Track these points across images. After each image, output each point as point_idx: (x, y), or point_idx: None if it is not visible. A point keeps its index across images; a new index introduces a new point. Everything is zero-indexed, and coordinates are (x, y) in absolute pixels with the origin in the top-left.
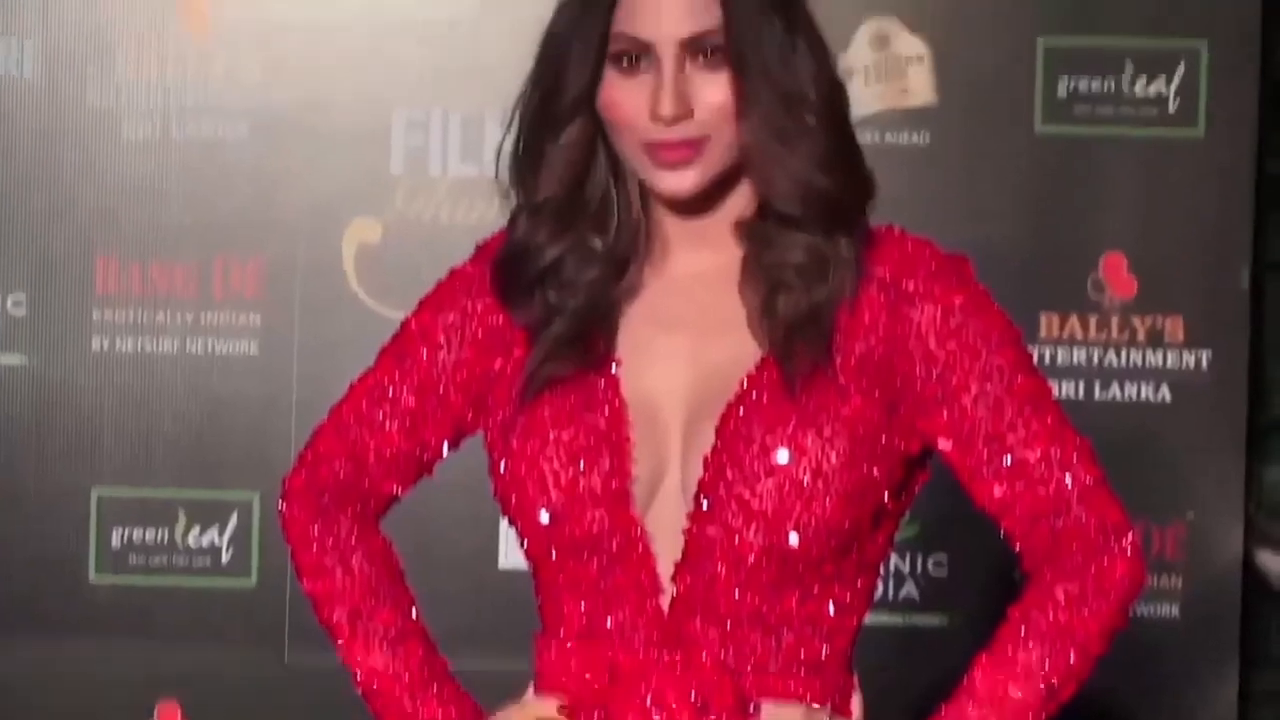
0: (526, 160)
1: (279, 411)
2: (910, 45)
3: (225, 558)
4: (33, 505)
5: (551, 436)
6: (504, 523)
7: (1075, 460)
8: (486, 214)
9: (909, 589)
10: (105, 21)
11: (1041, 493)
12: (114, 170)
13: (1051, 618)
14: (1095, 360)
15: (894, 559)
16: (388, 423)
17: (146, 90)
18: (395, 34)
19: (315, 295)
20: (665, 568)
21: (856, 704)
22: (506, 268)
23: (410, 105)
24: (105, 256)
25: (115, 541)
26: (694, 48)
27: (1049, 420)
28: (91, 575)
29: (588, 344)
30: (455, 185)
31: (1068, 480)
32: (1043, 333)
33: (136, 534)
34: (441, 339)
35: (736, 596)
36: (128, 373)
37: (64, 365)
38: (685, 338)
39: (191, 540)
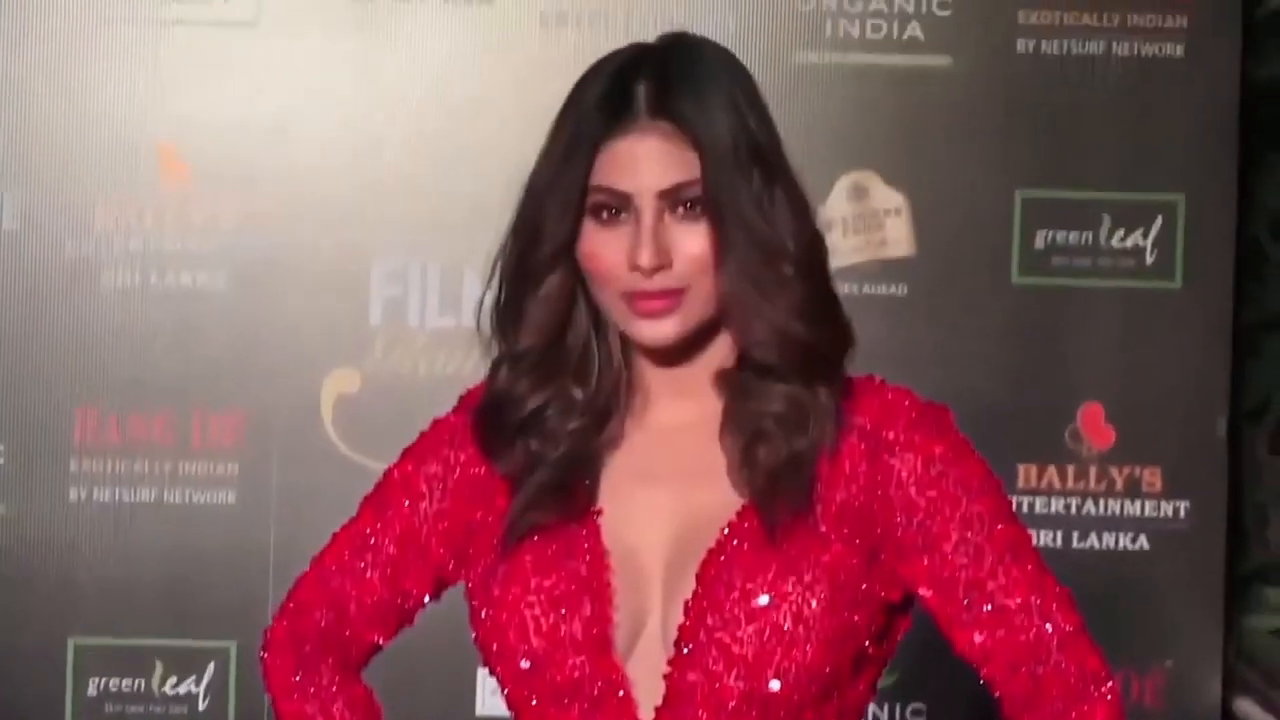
0: (508, 311)
1: (257, 561)
2: (888, 197)
3: (202, 706)
4: (9, 654)
5: (533, 583)
6: (480, 669)
7: (1055, 608)
8: (464, 365)
9: None
10: (85, 172)
11: (1022, 640)
12: (92, 320)
13: None
14: (1073, 510)
15: (872, 708)
16: (369, 572)
17: (126, 240)
18: (373, 186)
19: (293, 445)
20: (646, 713)
21: None
22: (488, 417)
23: (389, 257)
24: (84, 406)
25: (92, 690)
26: (673, 199)
27: (1029, 568)
28: None
29: (570, 493)
30: (433, 336)
31: (1048, 628)
32: (1021, 483)
33: (113, 683)
34: (424, 489)
35: None
36: (105, 523)
37: (41, 515)
38: (667, 487)
39: (169, 689)
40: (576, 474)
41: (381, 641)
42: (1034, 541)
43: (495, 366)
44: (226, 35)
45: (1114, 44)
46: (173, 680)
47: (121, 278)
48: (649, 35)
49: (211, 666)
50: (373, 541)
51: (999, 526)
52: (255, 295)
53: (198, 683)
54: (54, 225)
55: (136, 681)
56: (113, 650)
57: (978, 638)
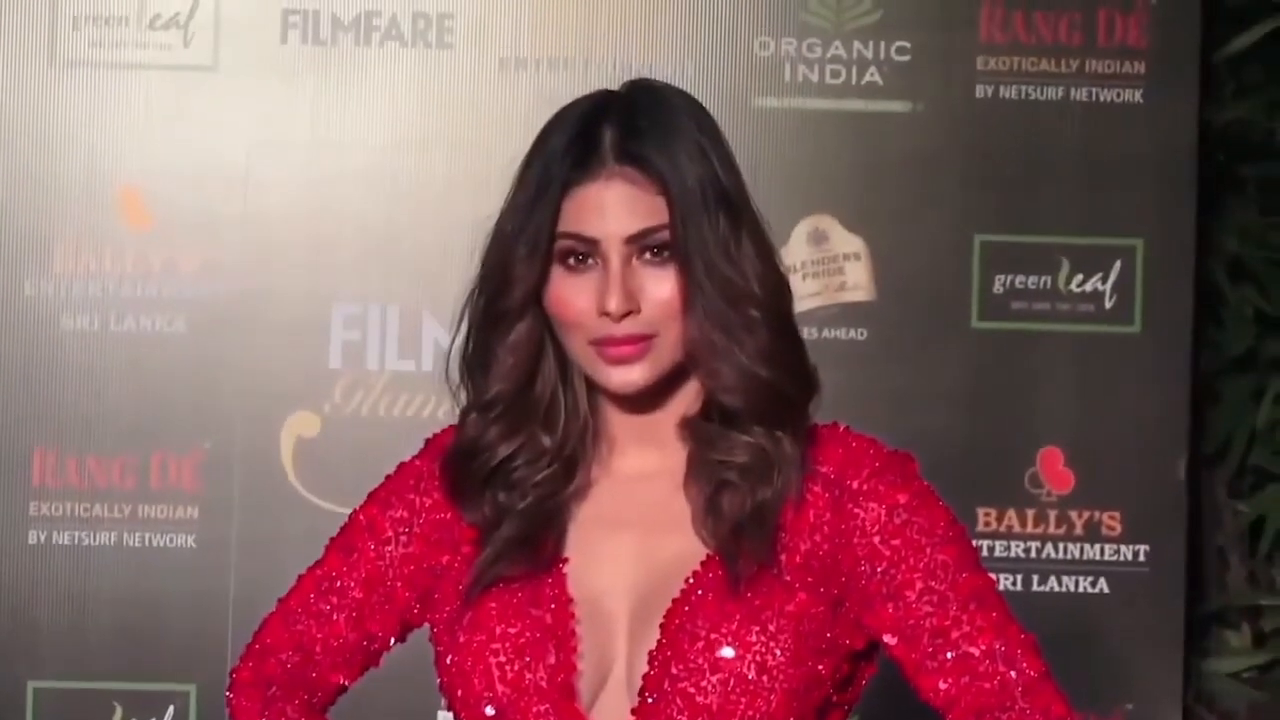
0: (476, 358)
1: (216, 604)
2: (847, 242)
3: None
4: None
5: (498, 631)
6: (442, 712)
7: (1020, 654)
8: (424, 408)
9: None
10: (44, 214)
11: (987, 687)
12: (51, 362)
13: None
14: (1033, 553)
15: None
16: (335, 614)
17: (85, 282)
18: (333, 230)
19: (253, 488)
20: None
21: None
22: (456, 466)
23: (348, 300)
24: (42, 448)
25: None
26: (640, 244)
27: (993, 615)
28: None
29: (537, 546)
30: (393, 380)
31: (1012, 674)
32: (980, 526)
33: None
34: (389, 533)
35: None
36: (65, 565)
37: (0, 558)
38: (632, 537)
39: None
40: (543, 527)
41: (347, 683)
42: (998, 587)
43: (464, 414)
44: (186, 79)
45: (1072, 89)
46: None
47: (80, 320)
48: (608, 80)
49: (171, 709)
50: (338, 584)
51: (963, 575)
52: (215, 338)
53: None
54: (13, 266)
55: None
56: (72, 693)
57: (942, 685)
